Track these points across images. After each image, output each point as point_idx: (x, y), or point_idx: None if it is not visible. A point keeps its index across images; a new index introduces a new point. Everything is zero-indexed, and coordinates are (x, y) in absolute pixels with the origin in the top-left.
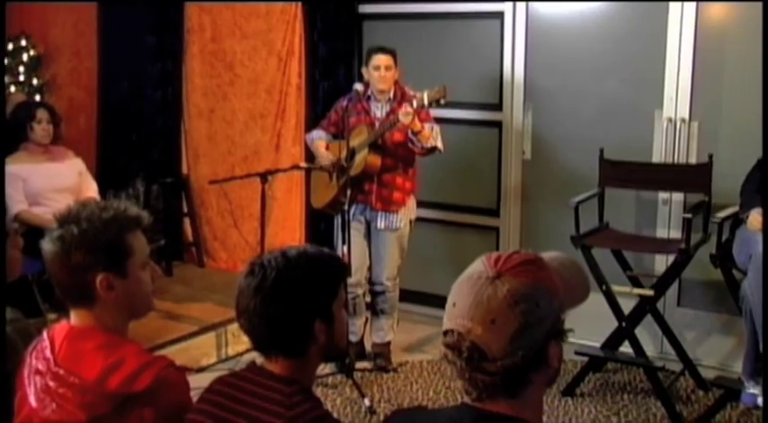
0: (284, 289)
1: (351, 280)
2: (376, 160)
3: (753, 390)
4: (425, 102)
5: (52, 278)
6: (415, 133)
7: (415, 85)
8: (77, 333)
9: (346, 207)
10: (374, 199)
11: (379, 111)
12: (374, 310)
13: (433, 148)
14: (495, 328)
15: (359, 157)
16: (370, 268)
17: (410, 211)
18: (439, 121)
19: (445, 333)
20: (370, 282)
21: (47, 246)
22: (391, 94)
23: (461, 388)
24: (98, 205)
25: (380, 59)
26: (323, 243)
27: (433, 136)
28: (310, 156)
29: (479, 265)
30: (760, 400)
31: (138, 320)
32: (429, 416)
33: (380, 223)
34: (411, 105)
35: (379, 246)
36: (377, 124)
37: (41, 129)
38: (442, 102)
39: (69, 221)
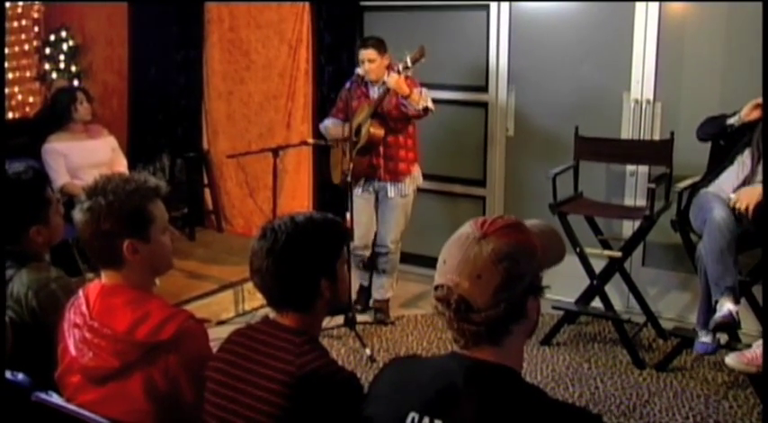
0: (293, 250)
1: (359, 244)
2: (378, 130)
3: (705, 338)
4: (409, 63)
5: (84, 244)
6: (405, 97)
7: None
8: (108, 290)
9: (349, 179)
10: (382, 172)
11: (376, 93)
12: (376, 269)
13: (426, 109)
14: (481, 283)
15: (363, 129)
16: (375, 231)
17: (416, 178)
18: (433, 101)
19: (436, 288)
20: (375, 243)
21: (78, 216)
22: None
23: (451, 338)
24: (122, 178)
25: (363, 54)
26: (329, 211)
27: (423, 98)
28: (318, 134)
29: (467, 228)
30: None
31: (162, 277)
32: (423, 363)
33: (391, 192)
34: (397, 71)
35: (386, 211)
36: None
37: (84, 108)
38: (423, 60)
39: (97, 193)
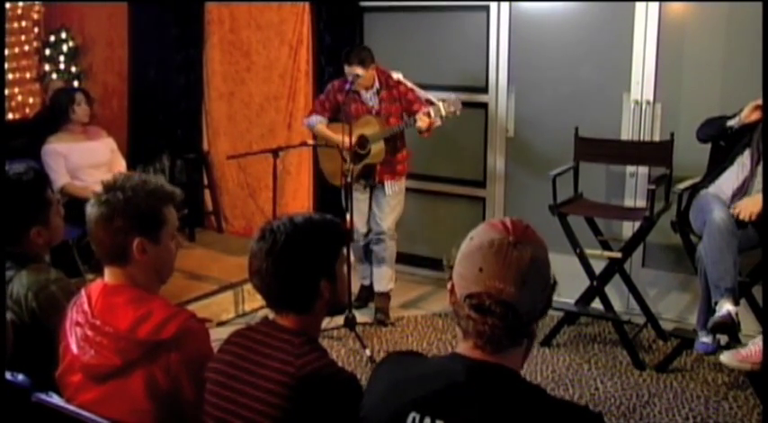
0: (293, 251)
1: (359, 233)
2: (388, 149)
3: (705, 339)
4: (443, 113)
5: (93, 238)
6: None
7: (410, 70)
8: (111, 289)
9: (350, 180)
10: (381, 175)
11: (370, 101)
12: (375, 260)
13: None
14: (526, 287)
15: (376, 148)
16: (371, 222)
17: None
18: (433, 104)
19: (471, 296)
20: (372, 232)
21: (92, 208)
22: (377, 85)
23: (460, 338)
24: (140, 178)
25: (347, 69)
26: (329, 211)
27: (436, 119)
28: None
29: (491, 234)
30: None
31: (163, 284)
32: (422, 362)
33: (387, 190)
34: (427, 114)
35: (382, 202)
36: (373, 112)
37: (82, 110)
38: (458, 113)
39: (115, 189)
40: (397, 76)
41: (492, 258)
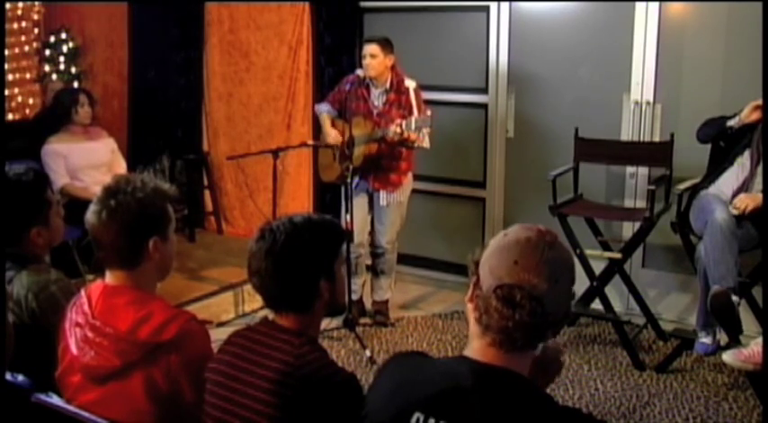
0: (292, 251)
1: (354, 242)
2: (372, 151)
3: (704, 339)
4: (413, 127)
5: (104, 243)
6: (404, 141)
7: (411, 71)
8: (111, 290)
9: (349, 180)
10: (372, 181)
11: (377, 99)
12: (374, 270)
13: (419, 147)
14: (557, 287)
15: (358, 151)
16: (371, 233)
17: (408, 187)
18: (432, 103)
19: (501, 287)
20: (372, 245)
21: (102, 214)
22: (388, 84)
23: (473, 335)
24: (142, 179)
25: (366, 48)
26: (329, 212)
27: (421, 139)
28: (317, 134)
29: (527, 232)
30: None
31: (163, 281)
32: (429, 363)
33: (382, 201)
34: (401, 127)
35: (380, 215)
36: (374, 113)
37: (84, 111)
38: (427, 129)
39: (122, 192)
40: (410, 83)
41: (529, 253)
